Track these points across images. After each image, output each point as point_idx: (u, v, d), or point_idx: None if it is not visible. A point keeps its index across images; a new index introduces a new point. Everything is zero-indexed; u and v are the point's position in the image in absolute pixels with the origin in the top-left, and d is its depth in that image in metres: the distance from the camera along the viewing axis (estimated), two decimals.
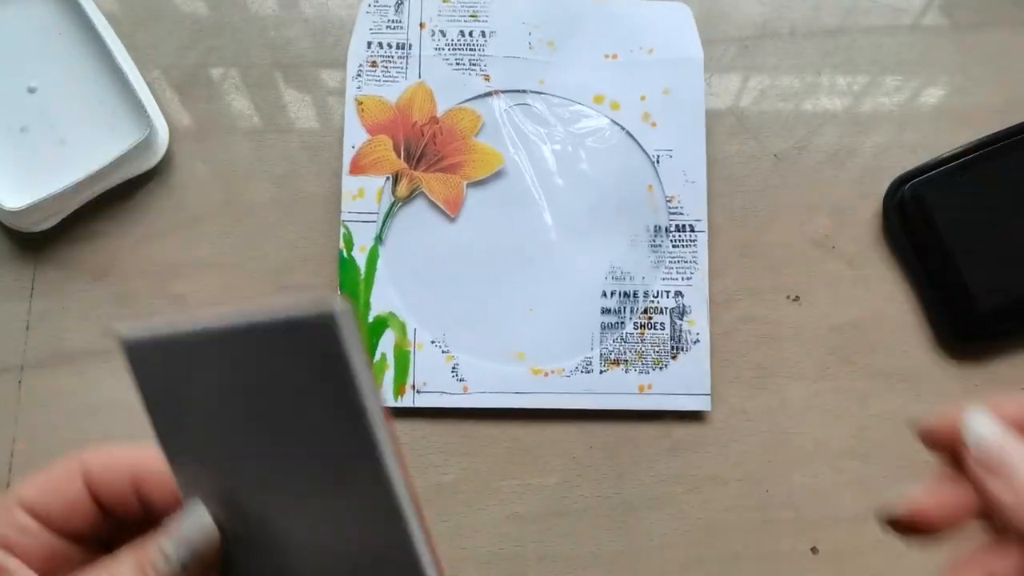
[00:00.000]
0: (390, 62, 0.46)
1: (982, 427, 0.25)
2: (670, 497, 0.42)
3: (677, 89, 0.46)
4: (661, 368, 0.43)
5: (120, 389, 0.43)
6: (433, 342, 0.43)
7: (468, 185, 0.45)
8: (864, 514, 0.42)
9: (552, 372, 0.43)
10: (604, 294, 0.44)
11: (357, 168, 0.44)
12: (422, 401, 0.42)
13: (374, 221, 0.44)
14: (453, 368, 0.43)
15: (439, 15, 0.46)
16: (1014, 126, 0.45)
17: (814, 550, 0.41)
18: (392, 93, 0.45)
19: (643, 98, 0.46)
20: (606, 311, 0.44)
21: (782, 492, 0.42)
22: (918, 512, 0.25)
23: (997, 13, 0.48)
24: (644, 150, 0.45)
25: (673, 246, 0.44)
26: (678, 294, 0.44)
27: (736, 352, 0.44)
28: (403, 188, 0.44)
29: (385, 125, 0.45)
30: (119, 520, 0.27)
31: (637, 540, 0.41)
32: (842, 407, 0.43)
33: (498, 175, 0.45)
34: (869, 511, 0.42)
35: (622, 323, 0.44)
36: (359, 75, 0.45)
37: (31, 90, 0.45)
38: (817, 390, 0.43)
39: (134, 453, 0.27)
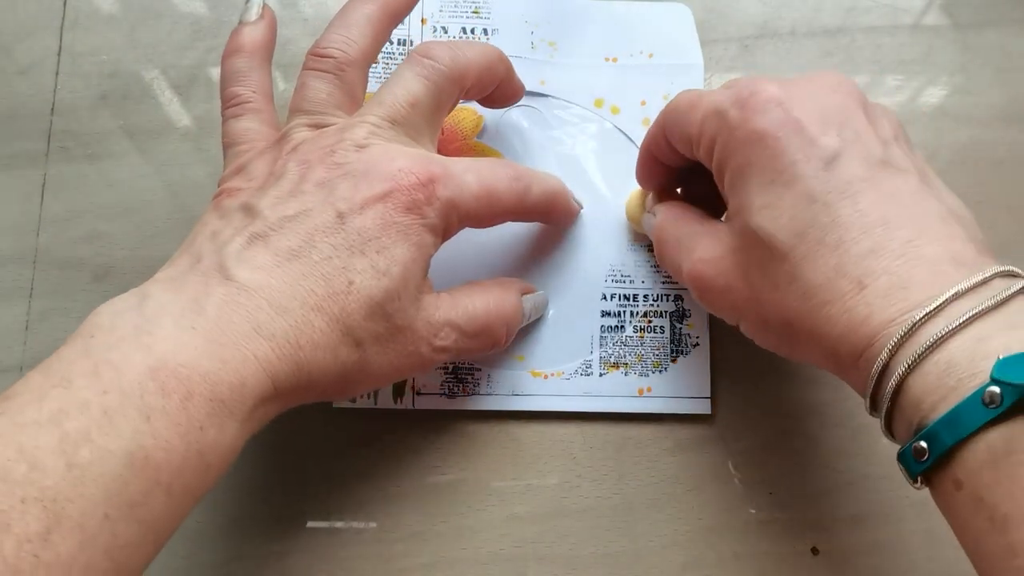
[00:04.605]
0: (391, 59, 0.45)
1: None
2: (670, 497, 0.42)
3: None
4: (661, 371, 0.43)
5: None
6: None
7: None
8: (864, 514, 0.42)
9: (552, 375, 0.43)
10: (604, 297, 0.44)
11: None
12: (422, 404, 0.42)
13: None
14: (453, 371, 0.43)
15: (441, 11, 0.46)
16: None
17: (814, 550, 0.41)
18: None
19: (643, 103, 0.45)
20: (606, 314, 0.44)
21: (782, 492, 0.42)
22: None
23: (998, 13, 0.47)
24: None
25: None
26: (677, 298, 0.44)
27: (736, 354, 0.44)
28: None
29: None
30: None
31: (637, 540, 0.41)
32: (841, 407, 0.43)
33: None
34: (869, 511, 0.42)
35: (622, 326, 0.43)
36: None
37: None
38: (817, 390, 0.43)
39: None
